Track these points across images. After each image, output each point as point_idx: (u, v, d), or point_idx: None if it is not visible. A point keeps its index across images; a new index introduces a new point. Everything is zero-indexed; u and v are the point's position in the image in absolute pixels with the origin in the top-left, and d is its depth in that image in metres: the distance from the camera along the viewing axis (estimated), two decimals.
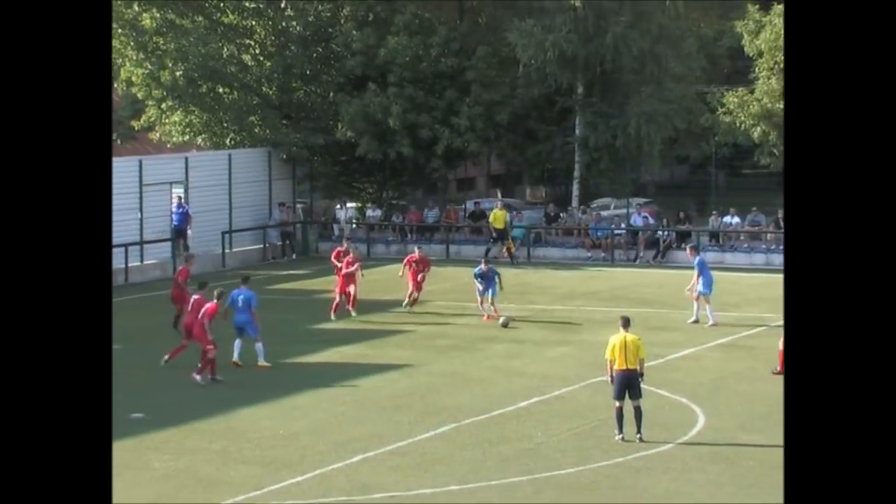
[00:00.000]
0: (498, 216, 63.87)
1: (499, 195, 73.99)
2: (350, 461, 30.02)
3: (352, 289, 48.16)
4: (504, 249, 61.46)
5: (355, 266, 48.08)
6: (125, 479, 28.74)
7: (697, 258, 46.73)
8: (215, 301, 37.74)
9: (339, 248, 50.71)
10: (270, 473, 29.00)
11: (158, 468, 28.60)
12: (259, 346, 38.28)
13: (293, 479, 28.68)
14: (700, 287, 44.66)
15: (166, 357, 38.22)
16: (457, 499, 27.43)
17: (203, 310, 37.20)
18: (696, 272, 45.66)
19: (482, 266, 47.16)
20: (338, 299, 48.19)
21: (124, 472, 29.13)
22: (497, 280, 46.70)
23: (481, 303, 46.88)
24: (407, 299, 49.43)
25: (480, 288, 46.96)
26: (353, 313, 47.96)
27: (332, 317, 47.53)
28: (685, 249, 61.29)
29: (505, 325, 44.89)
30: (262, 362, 38.09)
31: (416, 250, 51.06)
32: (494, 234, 63.70)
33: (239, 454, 30.18)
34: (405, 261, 50.49)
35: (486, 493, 27.76)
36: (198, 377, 36.41)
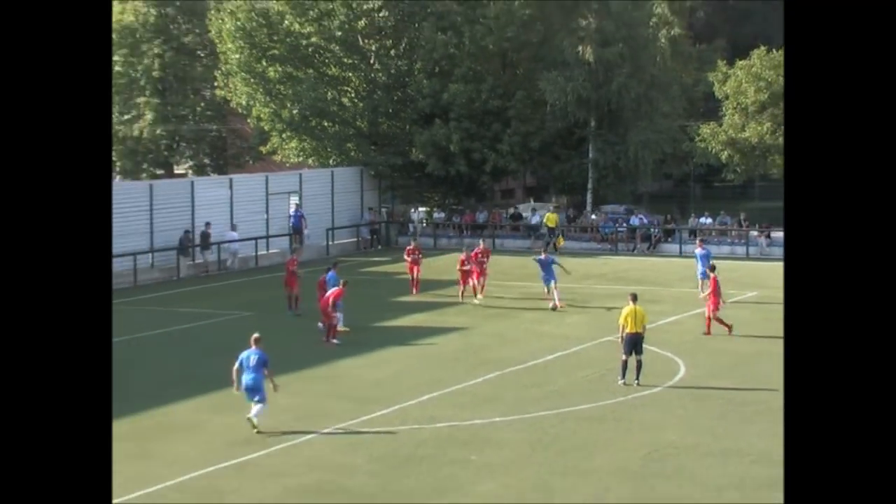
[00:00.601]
0: (551, 217, 63.86)
1: (531, 202, 73.55)
2: (420, 399, 30.17)
3: (477, 281, 45.45)
4: (552, 244, 60.98)
5: (483, 261, 45.95)
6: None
7: (704, 250, 45.93)
8: (341, 286, 37.86)
9: (408, 247, 49.56)
10: (362, 408, 29.17)
11: (282, 404, 28.65)
12: (340, 315, 38.05)
13: (379, 413, 28.82)
14: (700, 271, 44.22)
15: (334, 340, 37.26)
16: (500, 428, 27.52)
17: (331, 292, 37.27)
18: (697, 261, 45.28)
19: (542, 255, 45.56)
20: (463, 289, 45.24)
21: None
22: (556, 266, 44.32)
23: (547, 292, 44.34)
24: (477, 294, 45.57)
25: (543, 276, 44.37)
26: (477, 299, 45.28)
27: (462, 299, 45.21)
28: (669, 241, 61.88)
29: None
30: (342, 328, 37.93)
31: (481, 242, 49.57)
32: (548, 231, 63.29)
33: (339, 394, 30.43)
34: (472, 255, 46.33)
35: (521, 424, 27.85)
36: (335, 340, 36.51)
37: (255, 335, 28.72)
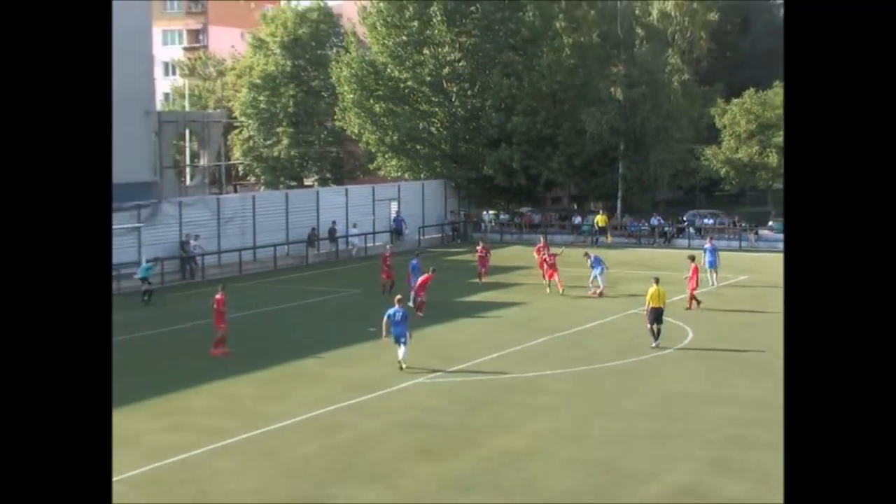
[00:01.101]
0: (601, 218, 63.25)
1: (575, 207, 73.42)
2: (490, 357, 30.39)
3: (555, 275, 42.35)
4: (607, 239, 60.79)
5: (553, 258, 43.09)
6: (371, 365, 29.34)
7: (712, 245, 45.78)
8: (431, 273, 37.87)
9: (485, 246, 48.25)
10: (445, 363, 29.46)
11: (385, 359, 29.08)
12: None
13: (458, 367, 29.08)
14: (707, 260, 44.04)
15: (419, 313, 35.93)
16: (549, 379, 27.69)
17: (422, 277, 37.22)
18: (704, 253, 44.55)
19: (593, 257, 43.05)
20: (547, 279, 42.84)
21: (371, 361, 29.79)
22: (603, 264, 42.35)
23: (591, 282, 42.54)
24: (549, 282, 42.91)
25: (593, 271, 42.16)
26: (555, 289, 42.32)
27: (548, 290, 42.49)
28: (680, 237, 61.57)
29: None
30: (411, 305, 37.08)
31: (542, 239, 49.02)
32: (598, 230, 62.60)
33: (427, 353, 30.49)
34: (536, 249, 45.29)
35: (565, 376, 28.01)
36: (420, 314, 36.33)
37: (398, 297, 30.70)
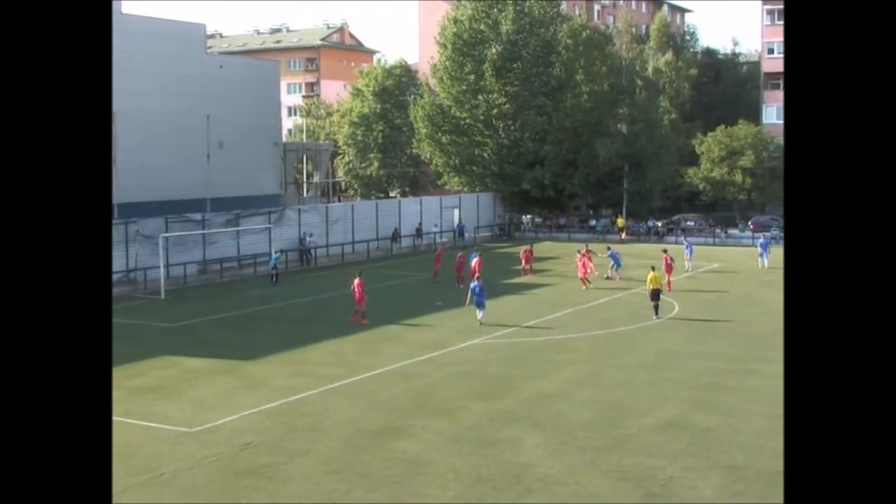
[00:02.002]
0: (619, 221, 62.12)
1: (591, 212, 72.65)
2: (527, 324, 30.25)
3: (588, 269, 38.67)
4: (623, 236, 59.51)
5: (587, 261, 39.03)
6: (438, 330, 29.29)
7: (688, 242, 45.94)
8: (478, 258, 37.38)
9: (525, 249, 44.48)
10: (493, 330, 29.27)
11: (451, 326, 29.05)
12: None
13: (503, 332, 28.94)
14: (687, 253, 43.84)
15: (466, 301, 31.92)
16: (572, 341, 27.43)
17: (474, 262, 36.50)
18: (685, 249, 44.39)
19: (613, 250, 42.04)
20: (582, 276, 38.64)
21: (438, 327, 29.74)
22: (619, 259, 40.80)
23: (609, 274, 40.56)
24: (587, 279, 38.61)
25: (612, 262, 40.56)
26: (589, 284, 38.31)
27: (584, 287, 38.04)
28: (669, 235, 60.79)
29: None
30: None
31: (585, 248, 41.76)
32: (617, 230, 60.80)
33: (477, 323, 30.31)
34: (580, 258, 39.57)
35: (584, 338, 27.74)
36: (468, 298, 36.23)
37: (478, 274, 32.76)
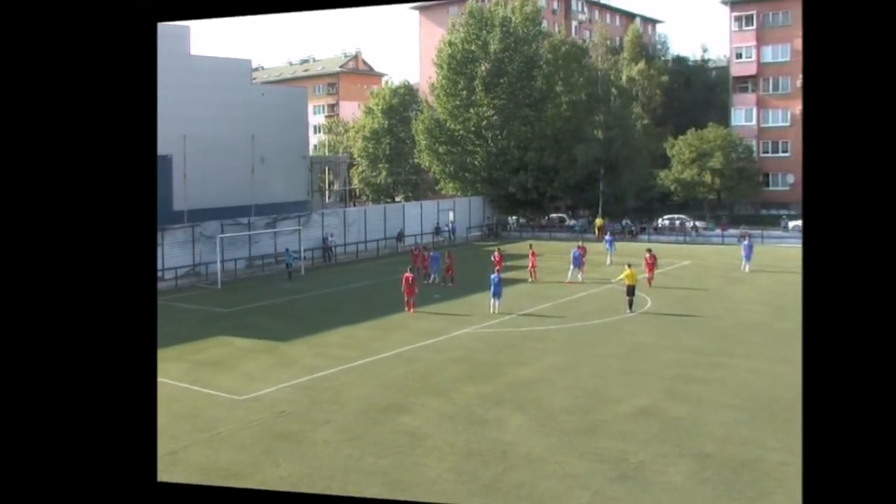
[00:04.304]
0: (598, 222, 61.20)
1: (571, 213, 72.50)
2: (511, 315, 29.92)
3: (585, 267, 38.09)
4: (605, 235, 59.02)
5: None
6: (436, 320, 28.90)
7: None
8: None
9: (531, 251, 40.86)
10: (482, 320, 29.02)
11: (445, 316, 28.91)
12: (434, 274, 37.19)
13: (491, 322, 28.69)
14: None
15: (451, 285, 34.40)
16: (552, 332, 27.20)
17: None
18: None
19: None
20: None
21: (436, 317, 29.51)
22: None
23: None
24: (581, 274, 38.06)
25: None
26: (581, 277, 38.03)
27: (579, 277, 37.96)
28: (642, 234, 60.76)
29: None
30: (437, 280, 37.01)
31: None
32: (597, 229, 59.88)
33: (471, 312, 30.22)
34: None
35: (563, 330, 27.51)
36: (451, 284, 35.98)
37: (498, 267, 34.32)
